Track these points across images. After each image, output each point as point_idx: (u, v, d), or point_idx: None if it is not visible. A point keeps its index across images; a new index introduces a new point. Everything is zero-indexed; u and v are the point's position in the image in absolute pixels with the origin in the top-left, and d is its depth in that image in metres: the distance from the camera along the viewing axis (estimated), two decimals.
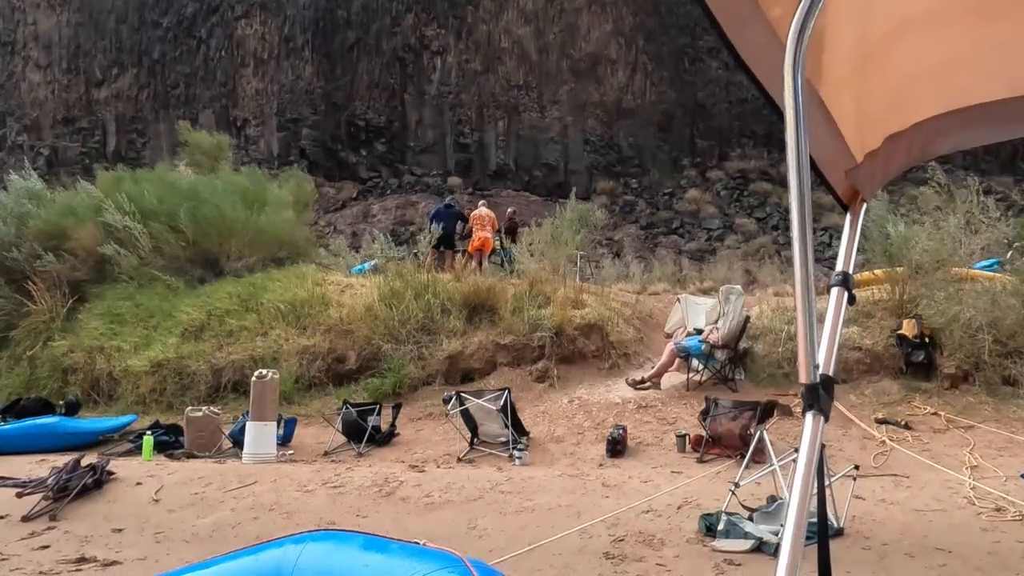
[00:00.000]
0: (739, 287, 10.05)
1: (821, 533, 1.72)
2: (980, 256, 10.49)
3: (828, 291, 1.46)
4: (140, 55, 40.13)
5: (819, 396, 1.18)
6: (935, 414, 7.89)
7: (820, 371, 1.20)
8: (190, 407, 8.74)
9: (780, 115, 1.24)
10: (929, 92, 1.39)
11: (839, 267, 1.50)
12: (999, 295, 8.70)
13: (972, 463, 6.54)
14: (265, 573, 2.77)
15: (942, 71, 1.31)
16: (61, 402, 9.70)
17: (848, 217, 1.64)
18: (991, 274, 9.99)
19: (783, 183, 38.44)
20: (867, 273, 10.22)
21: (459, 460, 7.58)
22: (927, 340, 8.71)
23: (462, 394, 8.03)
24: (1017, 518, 5.15)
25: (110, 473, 6.73)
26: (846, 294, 1.43)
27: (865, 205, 1.66)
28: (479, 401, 7.83)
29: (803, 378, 1.18)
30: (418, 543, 2.93)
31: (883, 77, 1.32)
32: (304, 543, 2.88)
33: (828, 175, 1.50)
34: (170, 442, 8.39)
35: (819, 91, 1.26)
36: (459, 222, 15.86)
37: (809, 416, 1.19)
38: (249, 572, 2.79)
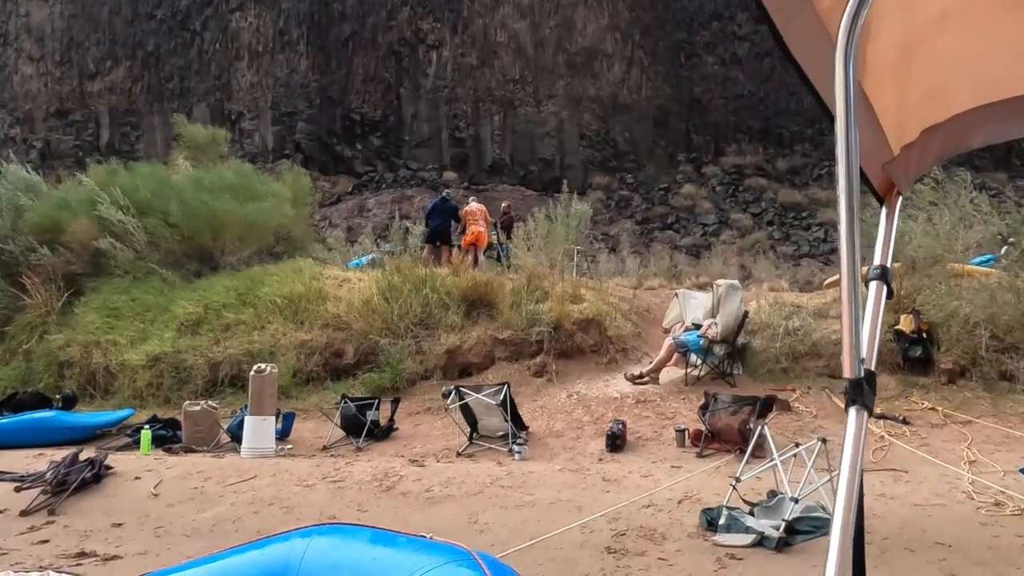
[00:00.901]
0: (737, 282, 10.08)
1: (858, 531, 1.71)
2: (975, 252, 10.53)
3: (866, 285, 1.45)
4: (134, 48, 39.92)
5: (863, 391, 1.18)
6: (933, 409, 7.92)
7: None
8: (188, 401, 8.72)
9: (824, 109, 1.23)
10: (968, 84, 1.39)
11: (876, 260, 1.50)
12: (997, 290, 8.73)
13: (970, 458, 6.57)
14: (272, 567, 2.76)
15: (981, 62, 1.31)
16: (58, 396, 9.66)
17: (884, 211, 1.63)
18: (987, 270, 10.03)
19: (778, 179, 38.55)
20: (865, 268, 10.23)
21: (458, 454, 7.58)
22: (924, 335, 8.74)
23: (462, 388, 8.03)
24: (1016, 513, 5.17)
25: (108, 467, 6.70)
26: (885, 288, 1.43)
27: (901, 198, 1.66)
28: (479, 396, 7.83)
29: (847, 373, 1.17)
30: (425, 536, 2.92)
31: (924, 68, 1.32)
32: (311, 537, 2.88)
33: (865, 168, 1.50)
34: (168, 436, 8.37)
35: (862, 83, 1.26)
36: (455, 217, 15.86)
37: (852, 411, 1.18)
38: (256, 566, 2.78)
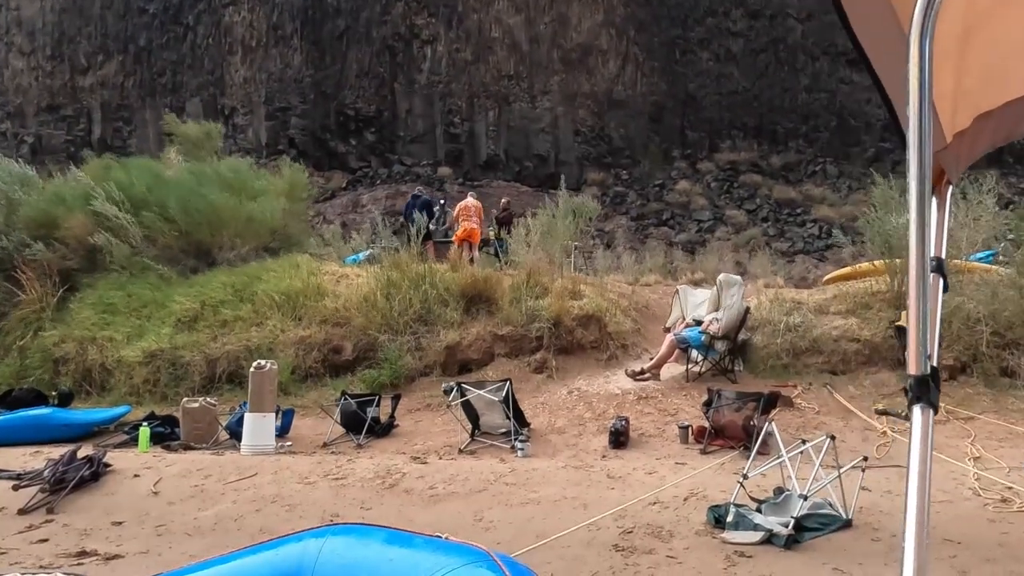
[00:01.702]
0: (739, 277, 10.05)
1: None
2: (975, 248, 10.54)
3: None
4: (126, 42, 39.63)
5: (929, 388, 1.13)
6: None
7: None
8: (186, 398, 8.64)
9: (885, 100, 1.19)
10: (1022, 69, 1.34)
11: (931, 252, 1.45)
12: (998, 287, 8.74)
13: (974, 454, 6.56)
14: (286, 568, 2.70)
15: None
16: (54, 393, 9.56)
17: (935, 201, 1.59)
18: (987, 266, 10.04)
19: (773, 175, 38.61)
20: (866, 264, 10.25)
21: (461, 451, 7.53)
22: None
23: (463, 385, 7.98)
24: (1023, 509, 5.16)
25: (107, 465, 6.62)
26: (941, 280, 1.38)
27: (951, 188, 1.61)
28: (481, 392, 7.78)
29: (912, 369, 1.13)
30: (441, 536, 2.88)
31: (980, 54, 1.28)
32: (325, 537, 2.82)
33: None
34: (166, 433, 8.29)
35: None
36: (430, 210, 15.98)
37: (917, 410, 1.14)
38: (270, 566, 2.72)
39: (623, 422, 7.57)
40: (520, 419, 7.85)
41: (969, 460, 6.40)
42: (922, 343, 1.12)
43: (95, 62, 39.50)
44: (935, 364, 1.22)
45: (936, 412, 1.17)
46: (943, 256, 1.45)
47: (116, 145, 35.67)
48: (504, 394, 7.62)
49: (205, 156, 15.87)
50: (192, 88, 38.98)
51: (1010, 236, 11.44)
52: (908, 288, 1.12)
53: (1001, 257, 11.25)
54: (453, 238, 15.70)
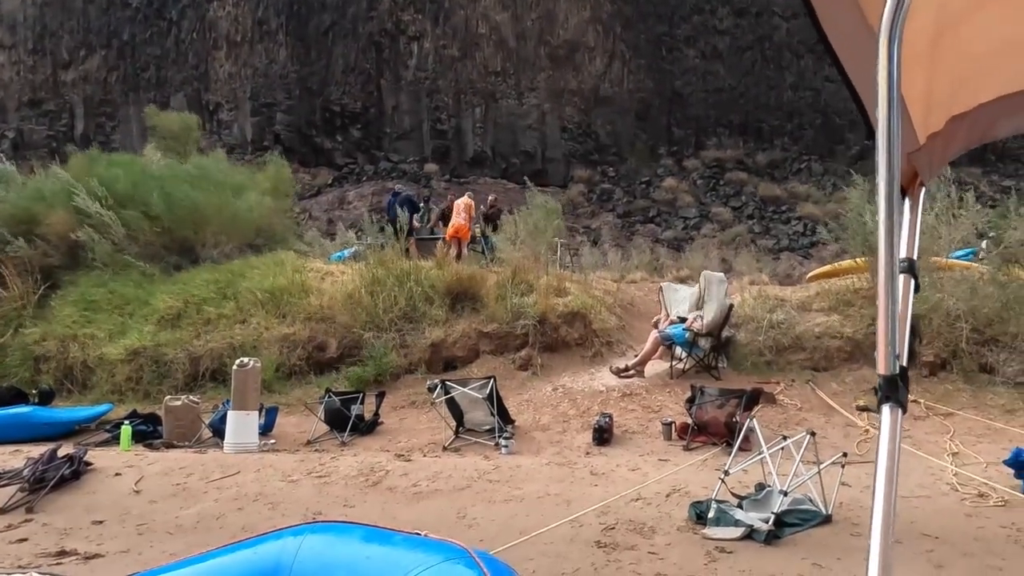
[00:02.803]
0: (722, 274, 10.10)
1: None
2: (955, 246, 10.64)
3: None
4: (109, 36, 39.25)
5: (899, 388, 1.14)
6: (915, 401, 7.98)
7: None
8: (169, 396, 8.59)
9: (857, 102, 1.20)
10: (997, 71, 1.36)
11: (903, 253, 1.46)
12: (977, 284, 8.83)
13: (953, 450, 6.63)
14: (265, 566, 2.70)
15: (1011, 49, 1.28)
16: (34, 391, 9.47)
17: (907, 202, 1.60)
18: (967, 263, 10.14)
19: (758, 172, 38.80)
20: (848, 262, 10.32)
21: (445, 449, 7.53)
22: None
23: (447, 382, 7.98)
24: (1000, 504, 5.23)
25: (88, 464, 6.57)
26: (913, 281, 1.39)
27: (924, 189, 1.62)
28: (465, 389, 7.78)
29: (881, 369, 1.14)
30: (420, 534, 2.88)
31: (953, 56, 1.29)
32: (304, 535, 2.82)
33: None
34: (148, 432, 8.24)
35: None
36: (413, 207, 16.05)
37: (886, 409, 1.15)
38: (248, 565, 2.72)
39: (607, 419, 7.59)
40: (504, 416, 7.87)
41: (948, 456, 6.47)
42: (891, 343, 1.13)
43: (77, 57, 39.10)
44: (904, 364, 1.24)
45: (905, 411, 1.19)
46: (915, 257, 1.46)
47: (99, 140, 35.29)
48: (488, 391, 7.63)
49: (187, 151, 15.75)
50: (176, 83, 38.66)
51: (991, 234, 11.56)
52: (877, 289, 1.13)
53: (982, 255, 11.37)
54: (445, 235, 15.71)
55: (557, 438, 7.74)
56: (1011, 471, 5.61)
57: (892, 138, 1.06)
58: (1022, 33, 1.24)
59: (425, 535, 2.87)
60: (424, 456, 7.14)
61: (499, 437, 7.44)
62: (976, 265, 10.00)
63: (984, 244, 11.58)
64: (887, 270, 1.10)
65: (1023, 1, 1.18)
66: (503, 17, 39.26)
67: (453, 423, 7.96)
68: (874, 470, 1.12)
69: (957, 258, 10.48)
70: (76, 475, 6.35)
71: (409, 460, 6.81)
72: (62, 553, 4.99)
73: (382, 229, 14.75)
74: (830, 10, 1.08)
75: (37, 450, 6.81)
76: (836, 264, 12.46)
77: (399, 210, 14.98)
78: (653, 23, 40.49)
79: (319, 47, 38.57)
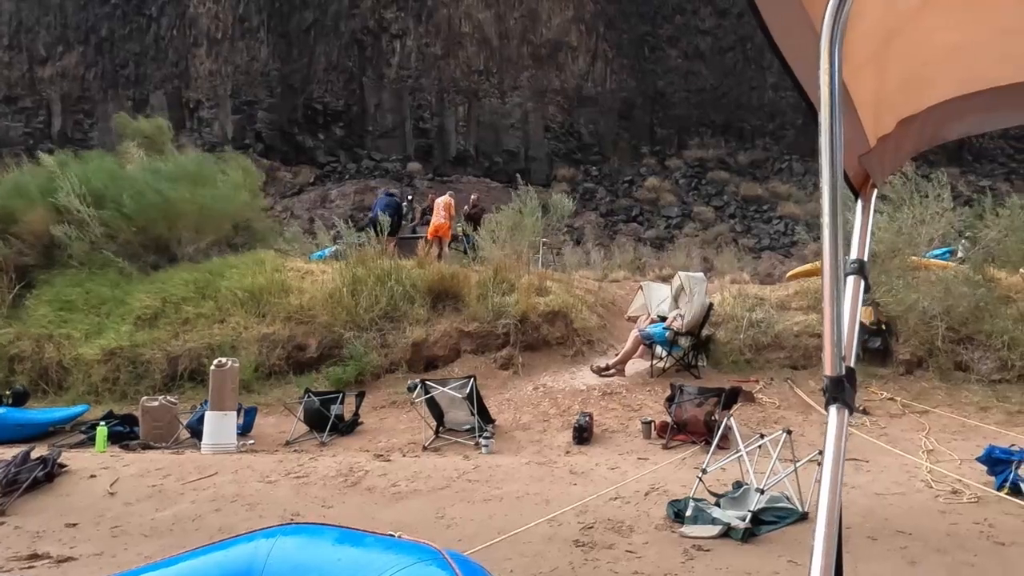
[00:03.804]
0: (701, 274, 10.16)
1: (840, 529, 1.68)
2: (932, 245, 10.76)
3: (844, 280, 1.41)
4: (87, 32, 38.75)
5: (844, 389, 1.15)
6: (891, 399, 8.08)
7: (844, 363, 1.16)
8: (146, 396, 8.50)
9: (806, 100, 1.20)
10: (946, 74, 1.37)
11: (853, 255, 1.47)
12: (952, 283, 8.94)
13: (928, 447, 6.71)
14: (236, 569, 2.67)
15: (961, 53, 1.29)
16: (8, 392, 9.32)
17: (859, 204, 1.61)
18: (944, 263, 10.26)
19: (740, 172, 39.01)
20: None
21: (425, 449, 7.51)
22: (883, 327, 8.91)
23: (427, 382, 7.95)
24: (973, 500, 5.30)
25: (62, 466, 6.49)
26: (863, 282, 1.40)
27: (876, 191, 1.63)
28: (445, 389, 7.76)
29: (828, 370, 1.14)
30: (393, 535, 2.86)
31: (902, 58, 1.29)
32: (275, 537, 2.79)
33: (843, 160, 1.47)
34: (125, 433, 8.15)
35: (842, 73, 1.23)
36: (398, 211, 16.03)
37: (833, 410, 1.15)
38: (219, 567, 2.69)
39: (587, 418, 7.61)
40: (485, 416, 7.86)
41: (923, 453, 6.54)
42: (836, 345, 1.14)
43: (55, 53, 38.54)
44: (851, 365, 1.24)
45: (851, 412, 1.19)
46: (865, 259, 1.47)
47: (77, 138, 34.86)
48: (468, 391, 7.62)
49: (164, 149, 15.58)
50: (156, 80, 38.22)
51: (967, 234, 11.69)
52: (823, 291, 1.13)
53: (960, 255, 11.51)
54: (427, 234, 15.70)
55: (537, 437, 7.75)
56: (984, 468, 5.68)
57: (835, 141, 1.06)
58: (969, 37, 1.25)
59: (399, 536, 2.85)
60: (404, 456, 7.12)
61: (479, 437, 7.43)
62: (953, 264, 10.12)
63: (962, 243, 11.71)
64: (831, 273, 1.10)
65: (969, 6, 1.19)
66: (486, 16, 39.20)
67: (433, 423, 7.94)
68: (820, 470, 1.12)
69: (934, 257, 10.60)
70: (50, 477, 6.27)
71: (388, 460, 6.78)
72: (34, 556, 4.92)
73: (361, 229, 14.71)
74: (775, 9, 1.08)
75: (10, 452, 6.70)
76: (815, 263, 12.56)
77: (381, 213, 14.95)
78: (636, 23, 40.60)
79: (301, 45, 38.30)
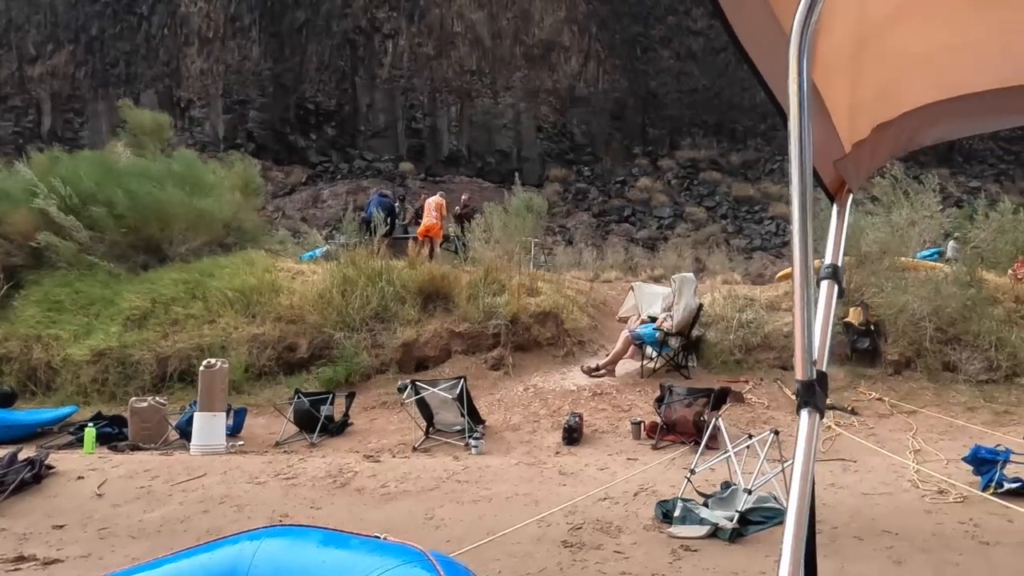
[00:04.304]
0: (692, 275, 10.19)
1: (811, 528, 1.70)
2: (922, 246, 10.83)
3: (817, 284, 1.42)
4: (77, 31, 38.56)
5: (815, 392, 1.15)
6: (880, 399, 8.12)
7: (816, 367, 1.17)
8: (134, 397, 8.46)
9: (776, 105, 1.21)
10: (920, 80, 1.37)
11: (828, 259, 1.48)
12: (941, 284, 8.99)
13: (915, 447, 6.75)
14: (220, 571, 2.67)
15: (935, 59, 1.30)
16: None
17: (835, 208, 1.61)
18: (932, 263, 10.32)
19: (732, 172, 39.17)
20: (817, 261, 10.42)
21: (414, 449, 7.51)
22: (872, 328, 8.96)
23: (417, 383, 7.95)
24: (959, 500, 5.33)
25: (49, 467, 6.46)
26: (836, 287, 1.40)
27: (852, 196, 1.64)
28: (435, 390, 7.76)
29: (799, 375, 1.14)
30: (378, 537, 2.86)
31: (876, 64, 1.30)
32: (260, 539, 2.79)
33: (817, 166, 1.47)
34: (113, 434, 8.11)
35: (815, 78, 1.24)
36: (391, 211, 16.07)
37: (804, 414, 1.15)
38: (204, 570, 2.68)
39: (577, 418, 7.61)
40: (475, 416, 7.86)
41: (910, 453, 6.58)
42: (807, 350, 1.14)
43: (45, 51, 38.36)
44: (822, 369, 1.25)
45: (823, 416, 1.20)
46: (840, 263, 1.47)
47: (67, 137, 34.69)
48: (459, 391, 7.61)
49: (155, 149, 15.50)
50: (147, 79, 38.08)
51: (956, 235, 11.76)
52: (794, 295, 1.13)
53: (949, 256, 11.58)
54: (416, 233, 15.70)
55: (527, 438, 7.76)
56: (970, 468, 5.72)
57: (804, 147, 1.07)
58: (943, 43, 1.26)
59: (384, 538, 2.85)
60: (393, 457, 7.12)
61: (469, 437, 7.43)
62: (941, 265, 10.18)
63: (951, 244, 11.77)
64: (802, 277, 1.11)
65: (944, 12, 1.19)
66: (479, 16, 39.21)
67: (423, 424, 7.94)
68: (791, 473, 1.13)
69: (923, 258, 10.67)
70: (37, 478, 6.24)
71: (378, 461, 6.78)
72: (20, 559, 4.90)
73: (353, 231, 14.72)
74: (743, 15, 1.08)
75: None
76: None
77: (375, 211, 14.96)
78: (628, 23, 40.68)
79: (293, 44, 38.23)
